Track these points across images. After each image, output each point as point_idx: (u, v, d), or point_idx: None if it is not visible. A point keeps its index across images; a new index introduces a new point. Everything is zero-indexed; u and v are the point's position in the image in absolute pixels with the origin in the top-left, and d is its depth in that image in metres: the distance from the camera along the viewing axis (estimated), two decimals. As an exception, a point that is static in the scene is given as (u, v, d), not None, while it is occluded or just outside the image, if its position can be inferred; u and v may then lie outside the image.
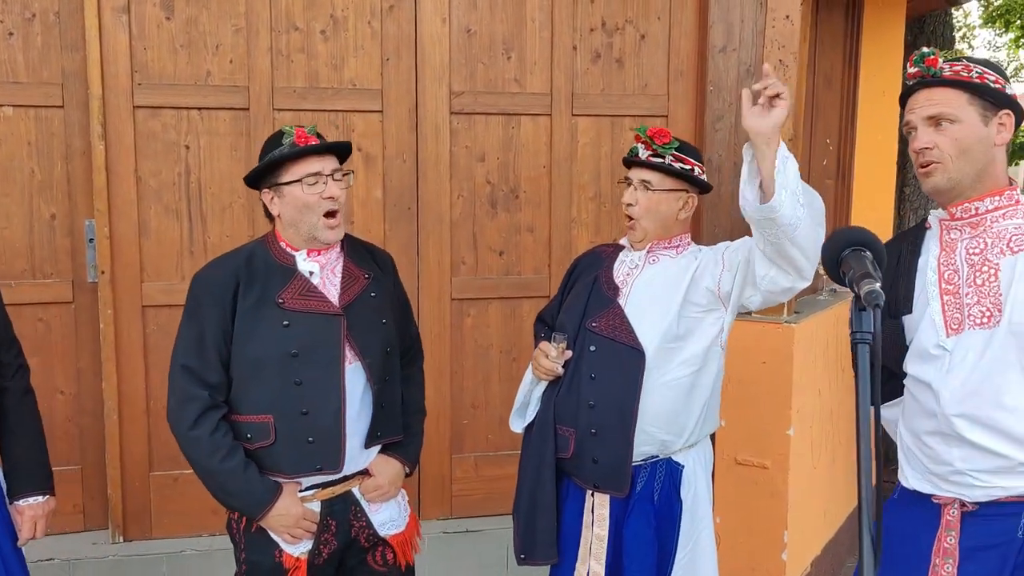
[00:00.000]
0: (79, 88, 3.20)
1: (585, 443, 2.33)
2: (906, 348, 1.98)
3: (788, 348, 3.37)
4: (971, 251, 1.89)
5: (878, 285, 1.13)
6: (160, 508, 3.38)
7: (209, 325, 2.06)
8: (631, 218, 2.40)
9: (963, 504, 1.90)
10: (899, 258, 2.04)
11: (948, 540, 1.91)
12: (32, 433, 2.28)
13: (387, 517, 2.23)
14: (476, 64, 3.44)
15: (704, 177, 2.43)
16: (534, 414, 2.46)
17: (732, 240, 2.39)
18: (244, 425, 2.06)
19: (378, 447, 2.21)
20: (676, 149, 2.38)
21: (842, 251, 1.28)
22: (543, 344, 2.37)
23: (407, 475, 2.29)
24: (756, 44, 3.40)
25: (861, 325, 1.12)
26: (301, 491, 2.11)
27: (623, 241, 2.50)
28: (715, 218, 3.56)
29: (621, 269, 2.44)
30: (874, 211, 4.58)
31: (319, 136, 2.12)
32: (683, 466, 2.39)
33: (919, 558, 1.94)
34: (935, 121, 1.86)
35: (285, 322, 2.04)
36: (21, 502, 2.20)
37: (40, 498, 2.24)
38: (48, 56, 3.21)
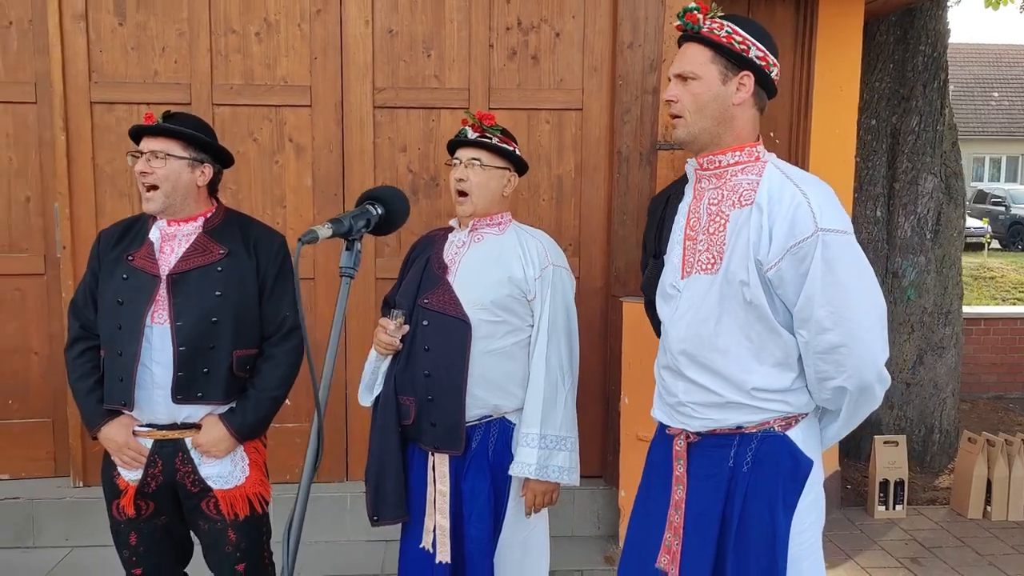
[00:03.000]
0: (49, 86, 3.66)
1: (423, 409, 2.55)
2: None
3: (681, 330, 3.50)
4: (712, 201, 2.03)
5: (322, 228, 1.36)
6: (113, 458, 3.81)
7: (89, 273, 2.50)
8: (463, 193, 2.61)
9: (688, 436, 2.07)
10: (667, 203, 2.19)
11: (679, 468, 2.08)
12: None
13: (216, 472, 2.43)
14: (398, 62, 3.73)
15: (523, 159, 2.65)
16: (380, 388, 2.71)
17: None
18: (101, 357, 2.45)
19: (208, 406, 2.43)
20: (500, 132, 2.60)
21: (362, 201, 1.50)
22: (382, 320, 2.61)
23: (242, 440, 2.46)
24: (658, 39, 3.56)
25: (343, 260, 1.36)
26: (140, 426, 2.44)
27: (452, 223, 2.72)
28: (623, 205, 3.73)
29: (450, 249, 2.66)
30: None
31: (170, 120, 2.43)
32: (515, 424, 2.61)
33: (666, 485, 2.13)
34: (683, 77, 2.00)
35: (124, 276, 2.40)
36: None
37: None
38: (23, 59, 3.69)
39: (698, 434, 2.06)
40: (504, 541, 2.62)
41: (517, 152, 2.63)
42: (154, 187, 2.36)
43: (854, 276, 1.89)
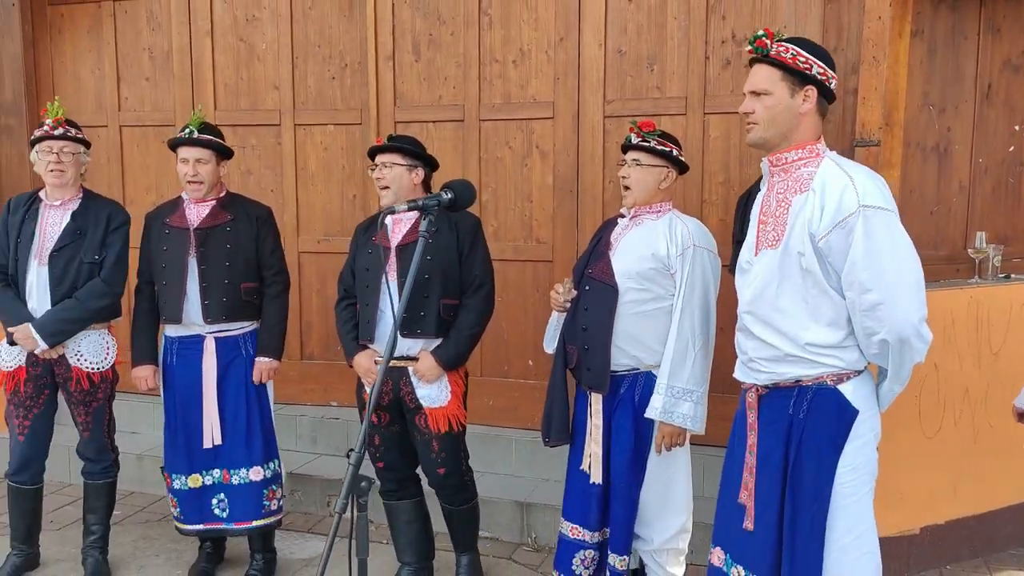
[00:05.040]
0: (368, 111, 4.85)
1: (582, 356, 3.22)
2: None
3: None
4: (778, 191, 2.46)
5: (400, 205, 2.07)
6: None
7: (350, 253, 3.55)
8: (627, 188, 3.20)
9: (758, 389, 2.51)
10: (750, 194, 2.66)
11: (751, 417, 2.54)
12: (273, 321, 3.75)
13: (426, 393, 3.35)
14: (625, 77, 4.35)
15: (682, 158, 3.16)
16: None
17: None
18: (356, 310, 3.47)
19: (423, 341, 3.33)
20: (659, 136, 3.15)
21: (441, 188, 2.17)
22: (556, 284, 3.31)
23: (446, 369, 3.34)
24: (857, 43, 3.77)
25: (421, 227, 2.09)
26: (379, 357, 3.38)
27: (623, 210, 3.29)
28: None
29: (617, 231, 3.26)
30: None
31: (391, 139, 3.38)
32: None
33: (744, 433, 2.59)
34: (756, 93, 2.44)
35: (369, 251, 3.38)
36: (258, 359, 3.77)
37: (267, 359, 3.75)
38: (354, 91, 4.94)
39: (766, 387, 2.49)
40: (650, 476, 3.19)
41: (675, 153, 3.15)
42: (386, 187, 3.30)
43: (891, 244, 2.24)
